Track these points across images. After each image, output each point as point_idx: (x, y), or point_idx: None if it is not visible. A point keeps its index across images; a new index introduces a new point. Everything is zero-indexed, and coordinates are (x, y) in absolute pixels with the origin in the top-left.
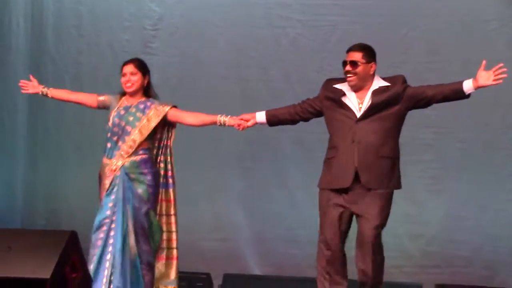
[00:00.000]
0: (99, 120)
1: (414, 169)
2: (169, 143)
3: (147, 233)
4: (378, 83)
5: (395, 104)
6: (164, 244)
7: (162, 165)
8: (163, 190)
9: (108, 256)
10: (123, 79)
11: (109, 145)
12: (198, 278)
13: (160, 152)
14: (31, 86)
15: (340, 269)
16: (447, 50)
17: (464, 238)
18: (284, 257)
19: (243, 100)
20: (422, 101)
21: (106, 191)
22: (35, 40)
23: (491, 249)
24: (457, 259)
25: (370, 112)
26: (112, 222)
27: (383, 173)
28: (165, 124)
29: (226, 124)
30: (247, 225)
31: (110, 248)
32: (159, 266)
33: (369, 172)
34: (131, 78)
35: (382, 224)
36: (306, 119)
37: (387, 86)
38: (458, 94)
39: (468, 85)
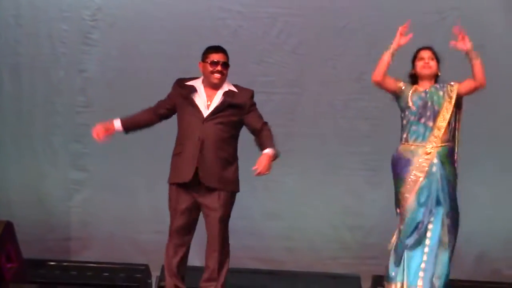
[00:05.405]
0: (37, 112)
1: (353, 161)
2: (457, 126)
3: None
4: (228, 86)
5: (237, 114)
6: None
7: None
8: None
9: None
10: (421, 63)
11: (414, 128)
12: (136, 270)
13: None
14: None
15: None
16: (386, 43)
17: None
18: None
19: None
20: (250, 127)
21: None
22: None
23: None
24: None
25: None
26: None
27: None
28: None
29: None
30: None
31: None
32: None
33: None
34: (430, 62)
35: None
36: (164, 115)
37: (235, 92)
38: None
39: (266, 152)
